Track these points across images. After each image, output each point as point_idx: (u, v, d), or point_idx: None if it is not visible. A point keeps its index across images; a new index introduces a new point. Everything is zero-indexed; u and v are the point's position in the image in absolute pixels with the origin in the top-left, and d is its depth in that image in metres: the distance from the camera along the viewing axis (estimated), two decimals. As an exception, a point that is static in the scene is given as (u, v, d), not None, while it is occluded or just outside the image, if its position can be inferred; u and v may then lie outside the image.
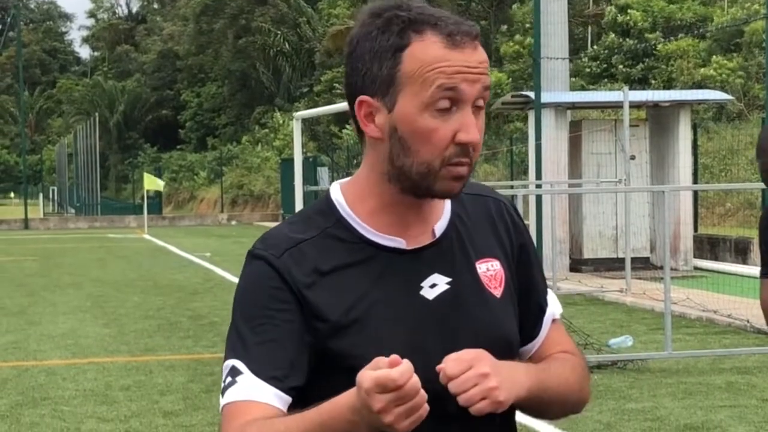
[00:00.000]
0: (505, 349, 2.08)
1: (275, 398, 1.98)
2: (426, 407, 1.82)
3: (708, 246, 21.88)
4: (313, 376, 2.03)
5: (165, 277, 21.36)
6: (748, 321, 13.03)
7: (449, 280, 2.09)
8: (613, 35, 39.46)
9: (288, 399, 1.99)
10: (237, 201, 57.65)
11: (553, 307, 2.30)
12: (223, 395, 2.01)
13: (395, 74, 2.00)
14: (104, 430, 8.67)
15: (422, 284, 2.07)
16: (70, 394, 10.07)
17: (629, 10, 40.16)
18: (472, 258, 2.14)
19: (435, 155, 2.00)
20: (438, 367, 1.94)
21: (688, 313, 14.14)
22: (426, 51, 1.99)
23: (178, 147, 76.92)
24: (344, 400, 1.88)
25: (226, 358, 2.04)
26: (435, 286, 2.07)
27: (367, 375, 1.79)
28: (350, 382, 1.91)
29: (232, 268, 22.80)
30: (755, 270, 19.69)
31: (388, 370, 1.78)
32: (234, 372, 2.00)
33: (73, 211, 69.04)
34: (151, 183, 40.77)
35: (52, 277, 21.91)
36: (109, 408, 9.44)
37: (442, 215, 2.14)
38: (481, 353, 1.97)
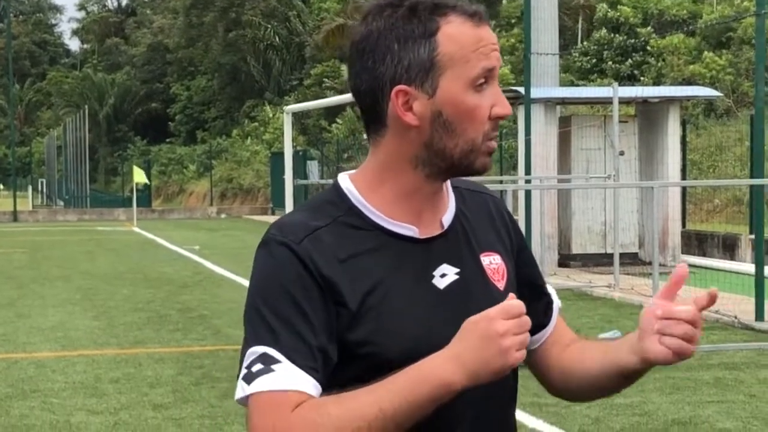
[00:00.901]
0: None
1: (313, 388, 1.97)
2: (525, 351, 1.96)
3: (696, 242, 21.96)
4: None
5: (154, 270, 21.37)
6: (735, 317, 13.09)
7: (458, 270, 2.12)
8: (604, 30, 39.51)
9: (320, 389, 1.98)
10: (226, 194, 57.61)
11: (557, 299, 2.39)
12: (249, 383, 1.97)
13: (435, 58, 2.03)
14: (94, 423, 8.69)
15: (434, 273, 2.10)
16: (60, 386, 10.09)
17: (619, 6, 40.21)
18: (476, 251, 2.18)
19: (479, 132, 2.06)
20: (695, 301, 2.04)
21: (676, 308, 14.17)
22: (462, 32, 2.03)
23: (168, 140, 76.75)
24: (433, 357, 1.94)
25: (251, 344, 2.00)
26: (445, 276, 2.10)
27: (487, 310, 1.93)
28: (367, 368, 1.98)
29: (222, 261, 22.83)
30: (743, 266, 19.64)
31: (511, 301, 1.94)
32: (267, 360, 1.96)
33: (62, 203, 68.91)
34: (140, 176, 40.75)
35: (41, 270, 21.90)
36: (98, 400, 9.46)
37: (448, 208, 2.18)
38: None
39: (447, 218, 2.16)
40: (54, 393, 9.79)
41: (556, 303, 2.38)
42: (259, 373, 1.96)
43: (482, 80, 2.04)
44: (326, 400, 1.94)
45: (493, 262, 2.19)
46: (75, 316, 14.73)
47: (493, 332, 1.90)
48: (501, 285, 2.18)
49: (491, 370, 1.92)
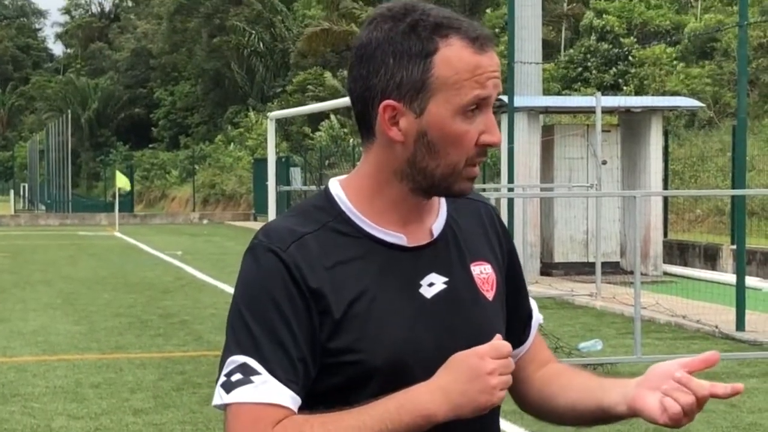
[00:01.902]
0: None
1: (291, 401, 1.96)
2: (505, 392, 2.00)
3: (677, 251, 22.01)
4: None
5: (136, 275, 21.32)
6: (716, 327, 13.13)
7: (446, 279, 2.10)
8: (593, 38, 39.55)
9: (299, 401, 1.98)
10: (209, 200, 57.52)
11: (537, 314, 2.38)
12: (228, 391, 1.97)
13: (427, 80, 2.00)
14: (74, 428, 8.67)
15: (421, 282, 2.09)
16: (41, 391, 10.06)
17: (605, 15, 40.26)
18: (466, 260, 2.16)
19: (462, 157, 2.04)
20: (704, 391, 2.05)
21: (657, 317, 14.22)
22: (459, 57, 2.01)
23: (151, 145, 76.63)
24: (419, 387, 1.96)
25: (232, 353, 1.99)
26: (433, 285, 2.09)
27: (477, 347, 1.96)
28: (350, 377, 1.98)
29: (204, 266, 22.79)
30: (724, 276, 19.62)
31: (499, 341, 1.98)
32: (247, 370, 1.96)
33: (44, 208, 68.65)
34: (122, 182, 40.63)
35: (22, 274, 21.82)
36: (79, 405, 9.44)
37: (438, 215, 2.16)
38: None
39: (437, 226, 2.15)
40: (35, 397, 9.77)
41: (536, 318, 2.37)
42: (239, 383, 1.96)
43: (473, 107, 2.02)
44: (309, 420, 1.94)
45: (483, 272, 2.18)
46: (56, 321, 14.69)
47: (482, 369, 1.93)
48: (490, 295, 2.17)
49: (475, 406, 1.95)
